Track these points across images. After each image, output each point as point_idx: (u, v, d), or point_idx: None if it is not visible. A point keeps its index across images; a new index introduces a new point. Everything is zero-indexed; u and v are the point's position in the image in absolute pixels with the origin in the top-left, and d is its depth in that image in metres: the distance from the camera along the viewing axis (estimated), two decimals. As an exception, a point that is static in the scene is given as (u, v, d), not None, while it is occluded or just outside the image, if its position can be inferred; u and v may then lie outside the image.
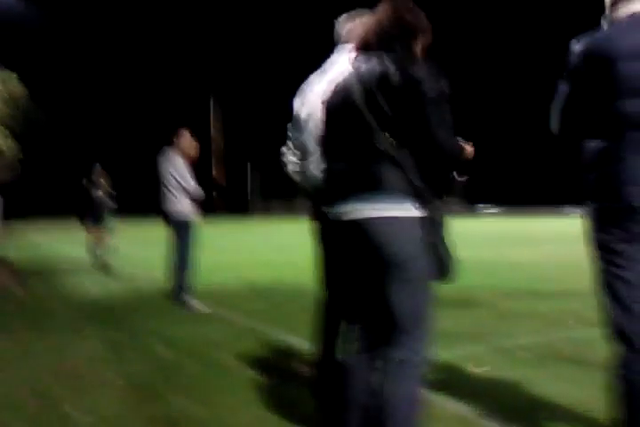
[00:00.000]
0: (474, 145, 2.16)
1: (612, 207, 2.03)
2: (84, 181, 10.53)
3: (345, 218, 2.11)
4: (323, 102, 2.32)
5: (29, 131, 12.22)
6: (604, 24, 2.12)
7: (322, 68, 2.79)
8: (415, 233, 2.01)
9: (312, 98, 2.69)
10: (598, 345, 4.08)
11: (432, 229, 2.04)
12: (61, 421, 2.80)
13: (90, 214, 10.20)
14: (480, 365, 3.63)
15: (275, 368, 3.67)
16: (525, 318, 5.19)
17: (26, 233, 25.09)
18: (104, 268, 9.68)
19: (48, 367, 3.71)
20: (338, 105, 2.18)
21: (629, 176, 1.97)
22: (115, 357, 4.00)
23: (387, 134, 1.98)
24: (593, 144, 2.10)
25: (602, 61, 1.98)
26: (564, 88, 2.14)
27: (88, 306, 6.17)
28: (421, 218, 2.02)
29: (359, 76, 2.08)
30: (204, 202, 6.52)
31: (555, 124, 2.21)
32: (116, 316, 5.59)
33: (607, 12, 2.12)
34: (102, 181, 10.57)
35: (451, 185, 2.12)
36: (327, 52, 2.87)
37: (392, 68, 1.97)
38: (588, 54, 2.02)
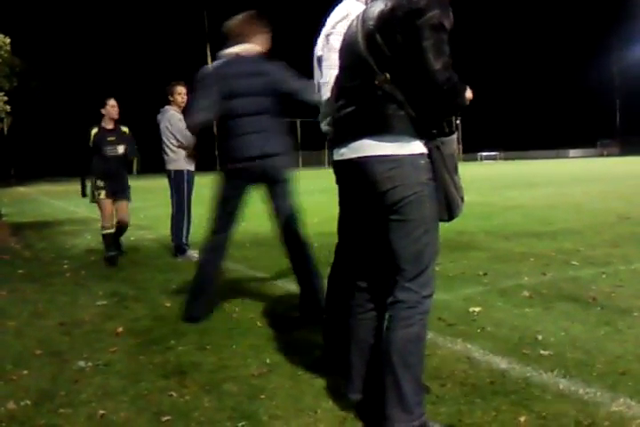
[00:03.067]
0: (473, 89, 2.13)
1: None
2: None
3: (346, 158, 2.10)
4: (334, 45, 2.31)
5: (25, 96, 12.00)
6: (219, 57, 3.62)
7: (342, 11, 2.70)
8: (417, 172, 1.98)
9: (330, 40, 2.64)
10: (599, 283, 4.17)
11: (439, 166, 2.02)
12: (70, 373, 2.86)
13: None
14: (482, 305, 3.68)
15: (280, 315, 3.72)
16: (525, 259, 5.23)
17: (29, 193, 25.03)
18: None
19: (55, 321, 3.77)
20: (345, 48, 2.17)
21: (232, 149, 3.53)
22: (120, 310, 4.05)
23: (387, 75, 1.95)
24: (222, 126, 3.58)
25: (223, 77, 3.46)
26: (198, 92, 3.53)
27: (92, 262, 6.21)
28: (426, 156, 2.00)
29: (363, 18, 2.06)
30: (203, 156, 6.49)
31: (193, 117, 3.53)
32: (121, 270, 5.63)
33: (220, 52, 3.62)
34: None
35: (451, 123, 2.08)
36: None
37: (393, 2, 1.92)
38: (216, 73, 3.53)
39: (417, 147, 1.99)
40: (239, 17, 3.62)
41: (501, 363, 2.74)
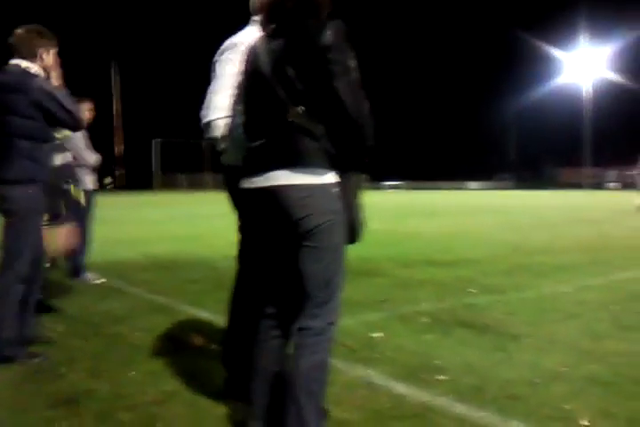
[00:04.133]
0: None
1: None
2: None
3: (258, 186, 2.09)
4: (235, 74, 2.28)
5: None
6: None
7: (235, 39, 2.69)
8: (330, 200, 2.01)
9: (227, 67, 2.61)
10: (493, 310, 4.37)
11: (347, 196, 2.05)
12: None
13: None
14: (383, 331, 3.75)
15: (180, 341, 3.62)
16: (425, 286, 5.40)
17: None
18: None
19: None
20: (249, 80, 2.15)
21: None
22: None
23: (299, 107, 1.96)
24: None
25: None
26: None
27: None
28: (337, 186, 2.03)
29: (268, 49, 2.05)
30: (103, 175, 6.27)
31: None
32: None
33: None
34: None
35: (366, 156, 2.09)
36: (241, 22, 2.78)
37: (300, 37, 1.95)
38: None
39: (330, 177, 2.02)
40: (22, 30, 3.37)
41: (401, 388, 2.79)
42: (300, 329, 2.05)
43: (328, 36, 1.91)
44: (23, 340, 3.29)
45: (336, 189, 2.03)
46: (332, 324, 2.09)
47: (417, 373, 2.99)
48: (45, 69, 3.37)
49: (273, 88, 2.00)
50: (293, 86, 1.96)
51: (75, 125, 3.40)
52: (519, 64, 69.23)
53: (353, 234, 2.14)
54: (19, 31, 3.34)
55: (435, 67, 79.08)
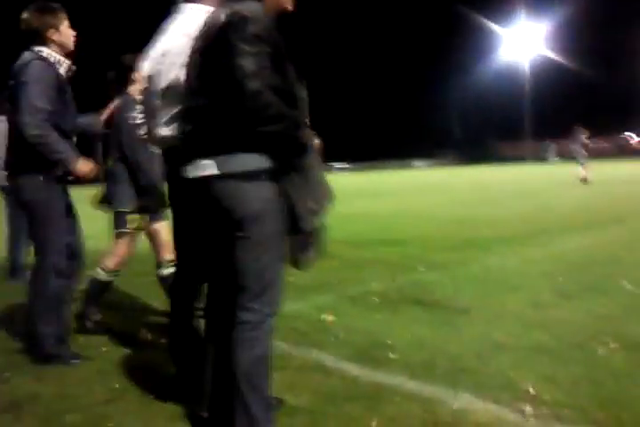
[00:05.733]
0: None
1: None
2: None
3: (189, 176, 2.04)
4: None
5: None
6: None
7: (165, 29, 2.60)
8: (258, 189, 1.95)
9: (156, 60, 2.53)
10: (442, 286, 4.45)
11: (286, 184, 1.99)
12: None
13: None
14: (334, 313, 3.77)
15: (126, 337, 3.54)
16: (374, 266, 5.45)
17: None
18: None
19: None
20: (173, 66, 2.16)
21: None
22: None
23: (220, 95, 1.90)
24: None
25: None
26: None
27: None
28: (269, 173, 1.96)
29: (193, 35, 2.01)
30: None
31: None
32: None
33: None
34: None
35: (300, 140, 1.97)
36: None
37: (222, 16, 1.88)
38: None
39: (260, 164, 1.94)
40: None
41: (353, 369, 2.81)
42: (237, 324, 2.00)
43: (245, 11, 1.85)
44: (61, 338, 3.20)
45: (268, 177, 1.96)
46: (269, 315, 2.03)
47: (369, 353, 3.02)
48: (63, 48, 3.16)
49: (196, 75, 1.96)
50: (213, 72, 1.91)
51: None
52: (461, 40, 69.94)
53: (296, 223, 2.09)
54: (22, 16, 3.12)
55: (375, 44, 79.19)
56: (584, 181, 17.42)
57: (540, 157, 59.38)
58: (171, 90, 2.29)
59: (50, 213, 3.12)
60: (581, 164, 18.03)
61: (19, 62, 3.08)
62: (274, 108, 1.85)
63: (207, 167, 1.96)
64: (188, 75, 2.05)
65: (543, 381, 2.55)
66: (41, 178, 3.07)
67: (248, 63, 1.81)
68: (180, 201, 2.31)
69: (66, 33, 3.17)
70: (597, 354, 2.85)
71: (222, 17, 1.89)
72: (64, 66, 3.15)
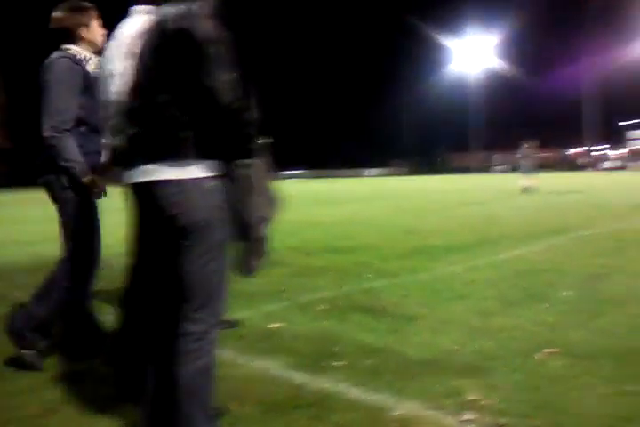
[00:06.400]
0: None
1: None
2: None
3: (134, 181, 1.98)
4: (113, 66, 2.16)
5: None
6: None
7: (117, 34, 2.54)
8: (206, 196, 1.91)
9: (104, 64, 2.47)
10: (390, 293, 4.48)
11: (233, 191, 1.96)
12: None
13: None
14: (282, 321, 3.74)
15: (61, 346, 3.43)
16: (324, 274, 5.45)
17: None
18: None
19: None
20: (123, 68, 2.03)
21: None
22: None
23: (168, 95, 1.85)
24: None
25: None
26: None
27: None
28: (218, 179, 1.93)
29: (141, 35, 1.93)
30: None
31: None
32: None
33: None
34: None
35: (249, 145, 1.96)
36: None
37: (167, 19, 1.83)
38: None
39: (204, 170, 1.91)
40: None
41: (300, 377, 2.79)
42: (181, 335, 1.93)
43: (196, 12, 1.81)
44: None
45: (214, 183, 1.92)
46: (213, 325, 1.98)
47: (315, 361, 3.00)
48: (92, 46, 3.12)
49: (143, 74, 1.89)
50: (162, 72, 1.85)
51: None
52: (413, 52, 71.33)
53: (244, 231, 2.06)
54: (53, 15, 3.10)
55: (329, 54, 79.84)
56: (528, 190, 17.95)
57: (487, 168, 61.08)
58: (121, 94, 2.24)
59: (72, 213, 3.12)
60: (526, 174, 18.57)
61: (45, 61, 3.07)
62: (248, 113, 1.86)
63: (152, 172, 1.90)
64: (136, 77, 1.98)
65: (486, 388, 2.59)
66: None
67: (215, 67, 1.79)
68: (132, 206, 2.23)
69: (96, 31, 3.17)
70: (538, 360, 2.91)
71: (172, 18, 1.84)
72: (92, 63, 3.11)
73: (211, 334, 1.97)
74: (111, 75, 2.34)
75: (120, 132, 2.02)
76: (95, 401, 2.58)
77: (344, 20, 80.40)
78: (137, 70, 1.92)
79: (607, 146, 46.85)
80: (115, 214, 3.35)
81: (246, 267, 2.06)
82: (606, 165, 42.24)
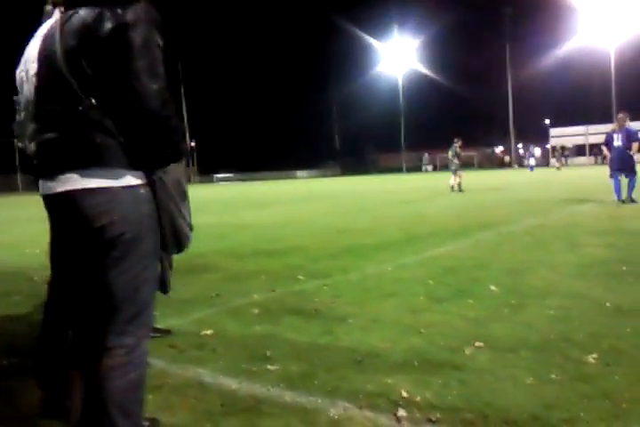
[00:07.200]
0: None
1: None
2: None
3: (54, 191, 1.86)
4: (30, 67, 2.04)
5: None
6: None
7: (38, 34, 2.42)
8: (135, 204, 1.82)
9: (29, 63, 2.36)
10: (321, 294, 4.50)
11: (163, 197, 1.90)
12: None
13: None
14: (214, 327, 3.69)
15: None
16: (255, 277, 5.40)
17: None
18: None
19: None
20: (42, 65, 1.88)
21: None
22: None
23: (92, 100, 1.76)
24: None
25: None
26: None
27: None
28: (145, 186, 1.86)
29: (62, 31, 1.81)
30: None
31: None
32: None
33: None
34: None
35: (176, 150, 1.89)
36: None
37: (97, 17, 1.73)
38: None
39: (132, 177, 1.83)
40: None
41: (232, 384, 2.76)
42: (110, 349, 1.84)
43: (128, 13, 1.73)
44: None
45: (142, 191, 1.85)
46: (143, 338, 1.91)
47: (248, 366, 2.98)
48: None
49: (65, 77, 1.77)
50: (87, 75, 1.75)
51: None
52: (340, 53, 72.13)
53: (179, 242, 2.00)
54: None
55: (257, 55, 79.67)
56: (455, 188, 18.48)
57: (418, 167, 62.54)
58: (35, 97, 2.14)
59: None
60: (455, 172, 19.11)
61: None
62: (175, 119, 1.80)
63: (74, 181, 1.79)
64: (55, 79, 1.87)
65: (417, 384, 2.64)
66: None
67: (146, 69, 1.73)
68: (53, 217, 2.12)
69: None
70: (466, 355, 3.00)
71: (96, 20, 1.75)
72: None
73: (141, 346, 1.89)
74: (28, 76, 2.25)
75: (36, 137, 1.90)
76: (24, 415, 2.49)
77: (271, 20, 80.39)
78: (55, 72, 1.82)
79: (532, 144, 49.13)
80: (35, 224, 3.22)
81: (165, 284, 2.01)
82: (532, 162, 44.18)
